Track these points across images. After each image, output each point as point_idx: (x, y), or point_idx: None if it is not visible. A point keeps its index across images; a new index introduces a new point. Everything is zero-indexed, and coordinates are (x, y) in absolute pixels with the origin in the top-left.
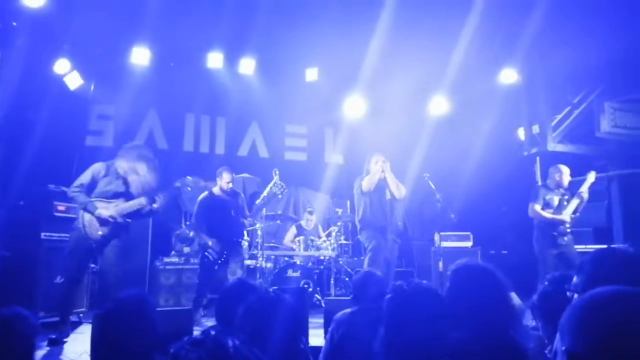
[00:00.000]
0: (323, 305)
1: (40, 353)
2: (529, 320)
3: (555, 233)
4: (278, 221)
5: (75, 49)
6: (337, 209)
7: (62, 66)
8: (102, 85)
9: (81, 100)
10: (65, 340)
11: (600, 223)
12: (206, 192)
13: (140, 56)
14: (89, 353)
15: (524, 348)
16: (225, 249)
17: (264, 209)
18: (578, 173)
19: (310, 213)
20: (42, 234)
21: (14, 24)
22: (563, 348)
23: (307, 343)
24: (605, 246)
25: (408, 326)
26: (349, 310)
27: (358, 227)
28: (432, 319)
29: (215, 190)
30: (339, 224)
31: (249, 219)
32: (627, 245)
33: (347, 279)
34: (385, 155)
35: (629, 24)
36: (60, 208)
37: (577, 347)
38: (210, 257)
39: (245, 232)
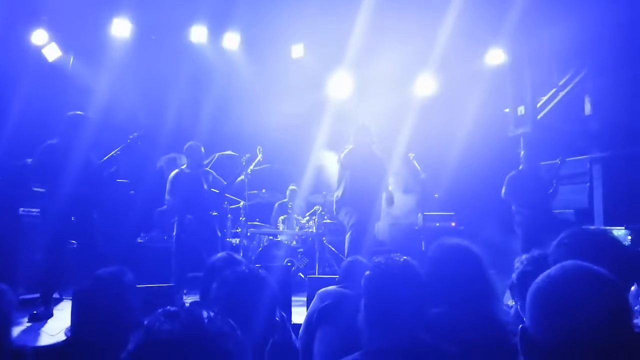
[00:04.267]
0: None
1: (19, 329)
2: (509, 300)
3: None
4: (261, 197)
5: (54, 19)
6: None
7: (39, 37)
8: (82, 57)
9: (60, 72)
10: (49, 316)
11: (582, 204)
12: (177, 170)
13: (121, 28)
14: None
15: (504, 322)
16: (201, 224)
17: (247, 187)
18: (561, 155)
19: (295, 192)
20: (21, 209)
21: None
22: (520, 325)
23: (290, 320)
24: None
25: (387, 302)
26: (332, 287)
27: (335, 205)
28: (410, 294)
29: (185, 167)
30: (322, 200)
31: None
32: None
33: (330, 257)
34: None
35: (615, 3)
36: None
37: (530, 324)
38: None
39: (228, 208)
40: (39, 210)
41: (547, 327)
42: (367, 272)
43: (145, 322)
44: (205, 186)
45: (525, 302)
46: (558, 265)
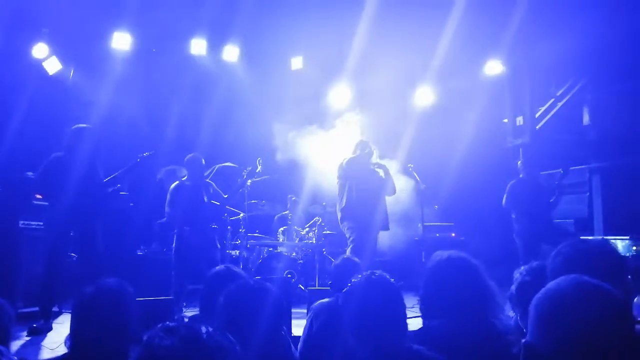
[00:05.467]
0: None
1: (19, 343)
2: (509, 311)
3: None
4: (261, 208)
5: (54, 32)
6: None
7: (40, 50)
8: (82, 70)
9: (61, 85)
10: (48, 330)
11: (581, 214)
12: (177, 182)
13: (121, 41)
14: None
15: (504, 333)
16: (200, 236)
17: (247, 199)
18: (561, 165)
19: (295, 203)
20: (21, 222)
21: None
22: (523, 340)
23: (290, 333)
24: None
25: (363, 316)
26: (326, 299)
27: (339, 216)
28: (386, 306)
29: (186, 179)
30: (322, 211)
31: (225, 197)
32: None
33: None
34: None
35: (612, 16)
36: (39, 196)
37: (533, 338)
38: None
39: (228, 219)
40: (41, 223)
41: (552, 340)
42: (345, 290)
43: (145, 338)
44: (205, 198)
45: (525, 313)
46: (561, 279)
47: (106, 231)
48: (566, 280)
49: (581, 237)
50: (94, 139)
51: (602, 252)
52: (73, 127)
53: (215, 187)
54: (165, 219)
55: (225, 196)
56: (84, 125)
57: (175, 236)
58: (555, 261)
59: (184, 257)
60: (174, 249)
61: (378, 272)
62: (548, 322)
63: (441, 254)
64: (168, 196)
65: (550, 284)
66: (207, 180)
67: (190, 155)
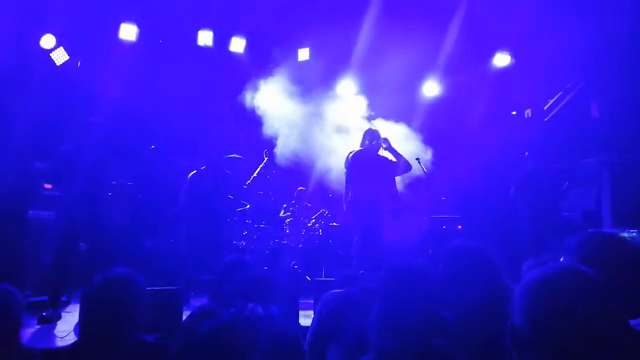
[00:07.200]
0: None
1: (29, 331)
2: None
3: None
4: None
5: (62, 23)
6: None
7: (48, 41)
8: (90, 61)
9: (68, 76)
10: (58, 318)
11: (589, 207)
12: (195, 172)
13: (128, 32)
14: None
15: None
16: (214, 227)
17: (254, 190)
18: (569, 157)
19: (302, 193)
20: (29, 212)
21: None
22: (509, 322)
23: (297, 323)
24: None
25: (401, 304)
26: (337, 290)
27: (345, 207)
28: (424, 297)
29: (204, 169)
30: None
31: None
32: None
33: (337, 260)
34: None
35: (623, 6)
36: (47, 186)
37: (518, 321)
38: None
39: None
40: (52, 213)
41: (532, 323)
42: (383, 272)
43: (184, 322)
44: (222, 189)
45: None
46: (554, 264)
47: (116, 222)
48: (557, 266)
49: (590, 230)
50: (105, 131)
51: (615, 245)
52: (87, 119)
53: (235, 178)
54: (173, 209)
55: (245, 186)
56: (96, 118)
57: (188, 226)
58: (567, 254)
59: (196, 248)
60: (186, 239)
61: (419, 260)
62: (529, 305)
63: (457, 244)
64: (185, 185)
65: (541, 269)
66: (228, 171)
67: (210, 147)
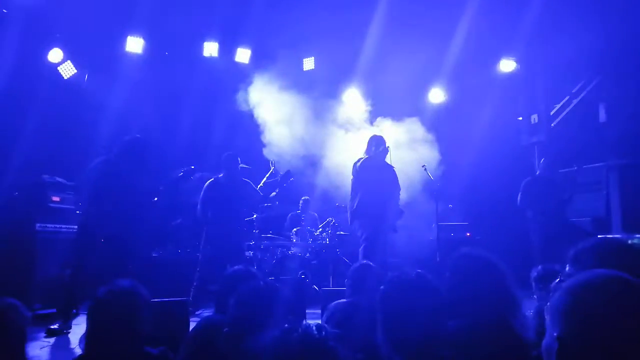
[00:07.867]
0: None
1: (37, 344)
2: (528, 311)
3: None
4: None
5: (68, 37)
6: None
7: (55, 55)
8: (96, 74)
9: (75, 89)
10: (67, 331)
11: (598, 213)
12: (212, 179)
13: (134, 45)
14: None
15: (524, 337)
16: (229, 237)
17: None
18: (576, 163)
19: (307, 202)
20: (37, 225)
21: (4, 11)
22: (555, 334)
23: None
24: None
25: (403, 317)
26: (344, 300)
27: (350, 216)
28: (428, 308)
29: (221, 177)
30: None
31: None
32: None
33: (344, 269)
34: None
35: (628, 11)
36: (55, 199)
37: (567, 333)
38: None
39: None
40: (58, 225)
41: (586, 335)
42: (382, 288)
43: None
44: (239, 198)
45: (551, 309)
46: (591, 273)
47: (127, 234)
48: (599, 274)
49: (599, 236)
50: (141, 147)
51: (624, 251)
52: (125, 138)
53: (253, 186)
54: (179, 220)
55: (262, 194)
56: (136, 136)
57: (204, 235)
58: (576, 261)
59: (211, 257)
60: (201, 248)
61: (419, 271)
62: (580, 315)
63: (463, 253)
64: (202, 194)
65: (583, 275)
66: (245, 179)
67: (227, 153)
